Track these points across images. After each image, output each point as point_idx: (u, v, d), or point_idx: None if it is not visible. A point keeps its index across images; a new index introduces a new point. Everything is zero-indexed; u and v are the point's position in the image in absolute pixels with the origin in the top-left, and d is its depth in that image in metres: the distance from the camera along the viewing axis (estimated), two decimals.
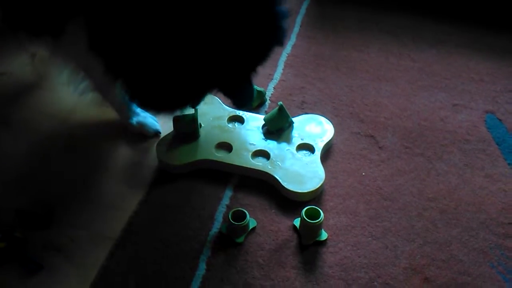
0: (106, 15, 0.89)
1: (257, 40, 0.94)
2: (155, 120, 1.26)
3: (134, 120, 1.24)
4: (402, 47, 1.55)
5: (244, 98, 1.10)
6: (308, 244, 1.01)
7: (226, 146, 1.18)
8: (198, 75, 0.93)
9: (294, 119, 1.25)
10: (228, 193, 1.11)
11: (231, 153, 1.16)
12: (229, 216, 1.02)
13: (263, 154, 1.16)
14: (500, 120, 1.31)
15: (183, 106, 1.05)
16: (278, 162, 1.14)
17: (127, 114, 1.24)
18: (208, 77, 0.95)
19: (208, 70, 0.92)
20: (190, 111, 1.17)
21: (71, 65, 1.12)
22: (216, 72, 0.94)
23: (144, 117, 1.24)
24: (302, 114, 1.28)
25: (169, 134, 1.21)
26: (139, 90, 0.98)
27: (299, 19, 1.66)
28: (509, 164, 1.19)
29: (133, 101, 1.08)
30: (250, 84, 1.08)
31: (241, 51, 0.93)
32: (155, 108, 1.05)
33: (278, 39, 0.99)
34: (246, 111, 1.26)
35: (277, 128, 1.21)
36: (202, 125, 1.22)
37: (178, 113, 1.12)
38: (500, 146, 1.24)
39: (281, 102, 1.20)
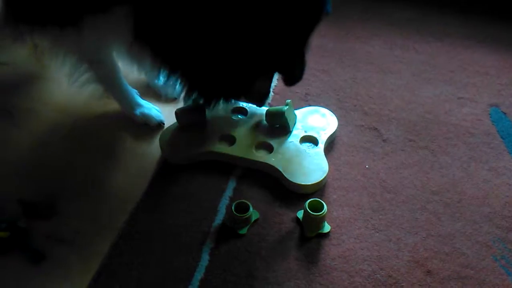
0: (157, 2, 0.86)
1: (307, 11, 0.91)
2: (158, 111, 1.25)
3: (138, 111, 1.24)
4: (406, 39, 1.54)
5: (300, 73, 1.05)
6: (311, 236, 1.02)
7: (229, 138, 1.18)
8: (256, 55, 0.90)
9: (298, 111, 1.24)
10: (231, 185, 1.11)
11: (234, 145, 1.16)
12: (232, 208, 1.02)
13: (267, 146, 1.16)
14: (505, 113, 1.30)
15: (242, 91, 1.03)
16: (281, 154, 1.13)
17: (130, 106, 1.24)
18: (265, 56, 0.92)
19: (266, 48, 0.90)
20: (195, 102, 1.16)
21: (74, 57, 1.11)
22: (273, 50, 0.91)
23: (148, 108, 1.24)
24: (305, 106, 1.28)
25: (173, 125, 1.21)
26: (197, 77, 0.95)
27: None
28: None
29: (188, 91, 1.02)
30: (304, 58, 1.03)
31: (294, 24, 0.90)
32: (215, 95, 1.02)
33: (324, 8, 0.95)
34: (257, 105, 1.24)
35: (276, 125, 1.19)
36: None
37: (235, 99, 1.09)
38: (505, 139, 1.23)
39: (289, 100, 1.17)
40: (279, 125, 1.19)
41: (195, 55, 0.91)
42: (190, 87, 1.00)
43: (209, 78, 0.95)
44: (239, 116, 1.24)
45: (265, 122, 1.21)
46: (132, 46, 0.93)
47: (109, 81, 1.18)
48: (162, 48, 0.92)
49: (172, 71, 0.96)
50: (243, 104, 1.25)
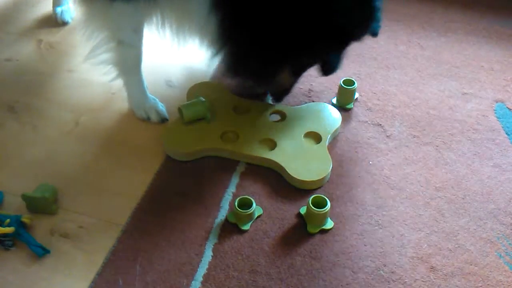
0: None
1: (356, 20, 1.01)
2: (163, 107, 1.25)
3: (144, 105, 1.24)
4: (411, 34, 1.53)
5: (335, 67, 1.13)
6: (314, 232, 1.01)
7: (232, 134, 1.18)
8: (304, 41, 0.99)
9: (301, 107, 1.24)
10: (234, 181, 1.11)
11: (238, 141, 1.16)
12: (236, 203, 1.02)
13: (270, 142, 1.16)
14: (510, 109, 1.29)
15: (272, 73, 1.10)
16: (284, 151, 1.13)
17: (138, 97, 1.23)
18: (314, 42, 1.01)
19: (315, 35, 0.99)
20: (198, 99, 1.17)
21: (106, 33, 1.11)
22: (322, 40, 1.01)
23: (153, 103, 1.24)
24: (309, 102, 1.28)
25: (176, 121, 1.21)
26: (242, 52, 1.02)
27: None
28: None
29: (229, 66, 1.09)
30: (341, 55, 1.12)
31: (344, 25, 1.00)
32: (249, 71, 1.09)
33: (372, 29, 1.07)
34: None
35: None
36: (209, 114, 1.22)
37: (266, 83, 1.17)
38: (510, 135, 1.22)
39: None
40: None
41: (257, 20, 0.98)
42: (234, 63, 1.05)
43: (253, 54, 1.02)
44: (243, 112, 1.23)
45: (268, 118, 1.21)
46: (208, 16, 1.00)
47: (130, 68, 1.18)
48: (230, 17, 0.99)
49: (223, 43, 1.03)
50: (247, 101, 1.25)
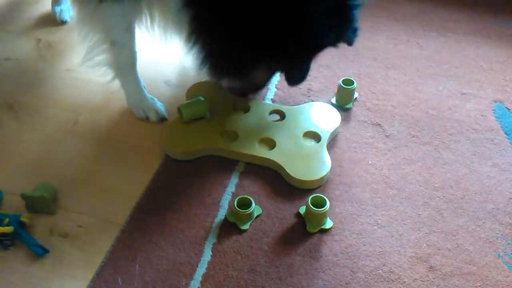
0: None
1: (327, 29, 1.00)
2: (162, 106, 1.25)
3: (142, 105, 1.24)
4: (410, 34, 1.53)
5: (301, 77, 1.13)
6: (313, 232, 1.01)
7: (232, 134, 1.18)
8: (273, 44, 0.98)
9: (300, 107, 1.24)
10: (233, 180, 1.11)
11: (237, 140, 1.16)
12: (235, 203, 1.02)
13: (269, 141, 1.16)
14: (509, 109, 1.29)
15: (245, 71, 1.09)
16: (283, 150, 1.13)
17: (136, 97, 1.23)
18: (280, 48, 0.99)
19: (281, 42, 0.97)
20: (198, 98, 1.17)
21: (99, 35, 1.12)
22: (287, 46, 0.99)
23: (152, 102, 1.24)
24: (308, 102, 1.28)
25: (175, 120, 1.21)
26: (222, 48, 1.02)
27: None
28: None
29: (202, 61, 1.09)
30: (309, 65, 1.12)
31: (314, 34, 0.99)
32: (222, 68, 1.08)
33: (348, 38, 1.07)
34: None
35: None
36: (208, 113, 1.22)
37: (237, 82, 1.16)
38: (509, 135, 1.23)
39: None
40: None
41: (226, 19, 0.97)
42: (205, 57, 1.05)
43: (223, 49, 1.02)
44: (242, 112, 1.23)
45: (267, 117, 1.21)
46: (178, 13, 1.01)
47: (125, 67, 1.19)
48: (202, 14, 1.00)
49: (199, 37, 1.03)
50: (246, 100, 1.25)
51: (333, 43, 1.06)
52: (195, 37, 1.03)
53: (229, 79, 1.13)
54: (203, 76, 1.16)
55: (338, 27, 1.02)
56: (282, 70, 1.13)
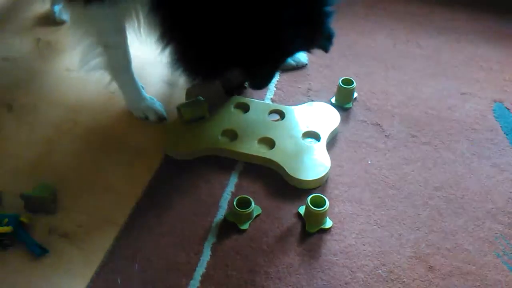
0: None
1: (296, 37, 1.00)
2: (161, 106, 1.25)
3: (141, 105, 1.23)
4: (410, 34, 1.53)
5: (265, 82, 1.14)
6: (312, 232, 1.02)
7: (231, 133, 1.18)
8: (241, 48, 0.97)
9: (300, 107, 1.24)
10: (233, 180, 1.11)
11: (236, 140, 1.16)
12: (234, 203, 1.02)
13: (269, 141, 1.16)
14: (508, 109, 1.30)
15: (218, 73, 1.10)
16: (283, 150, 1.13)
17: (135, 98, 1.23)
18: (245, 52, 0.99)
19: (248, 45, 0.97)
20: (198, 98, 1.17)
21: (90, 40, 1.12)
22: (252, 51, 0.98)
23: (151, 102, 1.24)
24: (308, 102, 1.28)
25: (175, 120, 1.21)
26: (190, 52, 1.02)
27: None
28: None
29: (176, 64, 1.09)
30: (275, 71, 1.13)
31: (282, 41, 0.99)
32: (197, 70, 1.08)
33: (323, 45, 1.09)
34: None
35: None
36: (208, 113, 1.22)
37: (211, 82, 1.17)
38: (508, 135, 1.23)
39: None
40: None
41: (193, 24, 0.97)
42: (179, 60, 1.05)
43: (196, 51, 1.02)
44: (241, 111, 1.23)
45: (267, 117, 1.21)
46: (147, 16, 1.02)
47: (120, 69, 1.19)
48: (169, 18, 1.00)
49: (169, 40, 1.04)
50: (245, 100, 1.25)
51: (304, 50, 1.07)
52: (166, 40, 1.04)
53: (203, 80, 1.13)
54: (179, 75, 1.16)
55: (309, 35, 1.02)
56: (249, 75, 1.12)
